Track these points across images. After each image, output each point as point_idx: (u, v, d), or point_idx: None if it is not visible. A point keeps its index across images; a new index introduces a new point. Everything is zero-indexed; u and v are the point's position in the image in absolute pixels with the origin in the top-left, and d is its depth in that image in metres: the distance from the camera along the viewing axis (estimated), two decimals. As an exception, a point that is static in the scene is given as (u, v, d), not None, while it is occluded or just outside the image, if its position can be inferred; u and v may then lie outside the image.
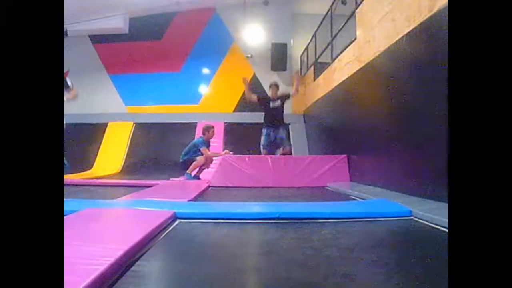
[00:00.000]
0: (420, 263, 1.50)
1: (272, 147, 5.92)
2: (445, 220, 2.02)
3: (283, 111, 5.96)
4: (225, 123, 8.65)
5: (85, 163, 8.05)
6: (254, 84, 8.30)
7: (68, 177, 5.71)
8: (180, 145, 6.65)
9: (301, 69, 8.73)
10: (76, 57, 9.31)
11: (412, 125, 3.29)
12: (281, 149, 5.91)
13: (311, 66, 7.81)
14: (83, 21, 8.71)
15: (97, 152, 8.50)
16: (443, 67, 2.58)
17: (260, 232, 2.11)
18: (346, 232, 2.10)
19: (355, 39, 4.86)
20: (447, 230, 1.93)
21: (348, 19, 5.16)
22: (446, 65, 0.98)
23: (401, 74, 3.48)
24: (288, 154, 5.96)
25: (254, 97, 6.08)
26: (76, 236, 1.63)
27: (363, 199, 3.41)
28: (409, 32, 3.24)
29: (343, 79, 5.34)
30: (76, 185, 4.97)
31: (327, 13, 6.50)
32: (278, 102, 5.82)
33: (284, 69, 9.17)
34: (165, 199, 3.06)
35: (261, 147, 5.89)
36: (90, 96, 9.53)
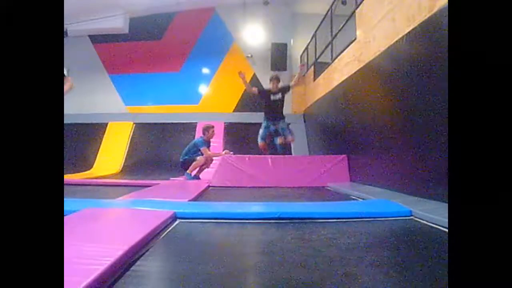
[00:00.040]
0: (420, 263, 1.50)
1: (270, 138, 5.88)
2: (445, 220, 2.02)
3: (283, 104, 5.88)
4: (225, 123, 8.65)
5: (85, 163, 8.06)
6: (254, 84, 8.28)
7: (68, 177, 5.72)
8: (180, 145, 6.66)
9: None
10: (76, 57, 9.31)
11: (412, 125, 3.29)
12: (282, 138, 5.82)
13: (311, 66, 7.81)
14: (83, 21, 8.71)
15: (97, 152, 8.50)
16: (443, 67, 2.58)
17: (260, 232, 2.11)
18: (346, 232, 2.10)
19: (355, 39, 4.86)
20: (447, 230, 1.93)
21: (348, 19, 5.16)
22: (446, 65, 0.98)
23: (401, 74, 3.48)
24: (290, 143, 5.81)
25: (254, 90, 6.04)
26: (76, 236, 1.63)
27: (363, 199, 3.41)
28: (409, 32, 3.24)
29: (343, 79, 5.34)
30: (76, 185, 4.97)
31: (327, 13, 6.50)
32: (279, 95, 5.75)
33: (284, 69, 9.16)
34: (165, 199, 3.06)
35: (259, 137, 5.83)
36: (90, 96, 9.54)
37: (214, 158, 5.95)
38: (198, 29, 9.71)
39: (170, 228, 2.09)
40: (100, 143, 8.68)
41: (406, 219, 2.40)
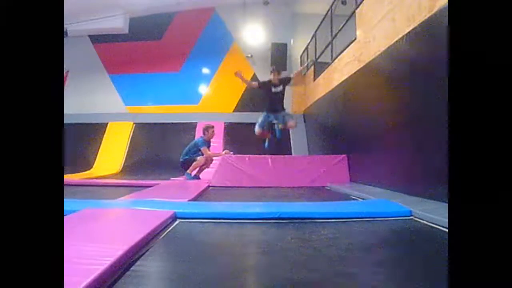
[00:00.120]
0: (420, 263, 1.50)
1: (269, 127, 5.83)
2: (445, 220, 2.02)
3: (284, 97, 5.80)
4: (225, 123, 8.65)
5: (85, 163, 8.06)
6: (254, 87, 8.27)
7: (68, 177, 5.72)
8: (180, 145, 6.66)
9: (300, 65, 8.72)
10: (76, 57, 9.31)
11: (412, 125, 3.29)
12: (282, 124, 5.74)
13: (311, 66, 7.81)
14: (83, 21, 8.71)
15: (97, 152, 8.51)
16: (443, 67, 2.58)
17: (260, 232, 2.11)
18: (346, 232, 2.10)
19: (355, 39, 4.86)
20: (447, 230, 1.93)
21: (348, 19, 5.16)
22: (446, 65, 0.98)
23: (401, 74, 3.48)
24: (292, 128, 5.75)
25: (255, 84, 6.00)
26: (76, 236, 1.63)
27: (363, 199, 3.41)
28: (409, 32, 3.24)
29: (343, 79, 5.34)
30: (76, 185, 4.97)
31: (327, 13, 6.50)
32: (280, 87, 5.66)
33: (284, 69, 9.15)
34: (165, 199, 3.06)
35: (257, 125, 5.74)
36: (90, 96, 9.54)
37: (214, 158, 5.95)
38: (198, 29, 9.71)
39: (170, 228, 2.09)
40: (100, 143, 8.69)
41: (406, 219, 2.40)
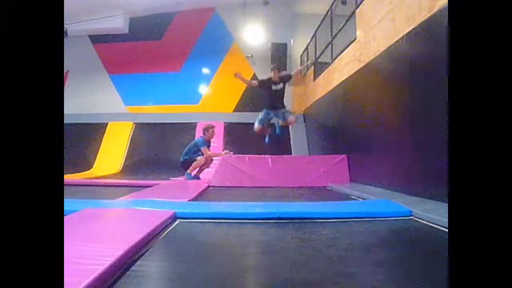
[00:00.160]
0: (420, 263, 1.50)
1: (268, 124, 5.80)
2: (445, 220, 2.02)
3: (284, 94, 5.75)
4: (225, 123, 8.65)
5: (85, 163, 8.06)
6: (254, 86, 8.28)
7: (68, 177, 5.72)
8: (180, 145, 6.66)
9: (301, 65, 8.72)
10: (76, 57, 9.32)
11: (412, 125, 3.29)
12: (282, 120, 5.70)
13: (311, 66, 7.81)
14: (83, 21, 8.71)
15: (97, 152, 8.51)
16: (443, 67, 2.58)
17: (260, 232, 2.12)
18: (346, 232, 2.10)
19: (355, 39, 4.86)
20: (446, 230, 1.93)
21: (348, 19, 5.16)
22: (446, 65, 0.98)
23: (401, 74, 3.48)
24: (292, 123, 5.72)
25: (255, 83, 5.96)
26: (76, 236, 1.63)
27: (363, 199, 3.41)
28: (409, 32, 3.25)
29: (343, 79, 5.34)
30: (76, 185, 4.97)
31: (327, 13, 6.50)
32: (281, 85, 5.62)
33: (284, 69, 9.16)
34: (165, 199, 3.06)
35: (257, 121, 5.71)
36: (90, 96, 9.54)
37: (214, 158, 5.96)
38: (198, 29, 9.71)
39: (170, 228, 2.09)
40: (100, 143, 8.69)
41: (406, 219, 2.40)
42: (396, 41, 3.51)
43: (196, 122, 8.61)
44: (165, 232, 1.99)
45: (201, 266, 1.44)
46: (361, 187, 4.20)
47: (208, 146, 5.92)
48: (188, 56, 9.71)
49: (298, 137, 8.33)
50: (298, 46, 9.21)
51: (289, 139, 8.30)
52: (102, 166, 8.04)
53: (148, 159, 8.25)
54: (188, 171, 5.72)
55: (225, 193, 4.17)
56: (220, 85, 9.53)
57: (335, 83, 5.79)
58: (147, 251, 1.59)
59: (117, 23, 8.91)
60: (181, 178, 5.77)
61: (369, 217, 2.43)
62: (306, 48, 8.33)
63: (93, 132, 8.83)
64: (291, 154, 7.85)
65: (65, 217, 1.93)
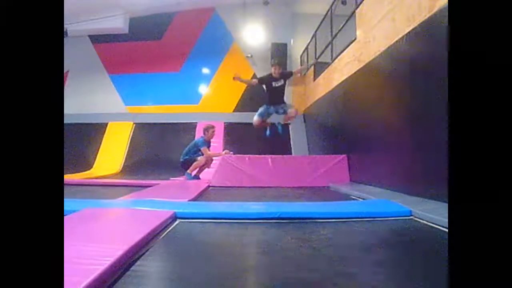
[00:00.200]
0: (420, 263, 1.50)
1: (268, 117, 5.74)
2: (445, 220, 2.02)
3: (284, 91, 5.65)
4: (225, 123, 8.65)
5: (85, 163, 8.06)
6: (254, 85, 8.29)
7: (68, 177, 5.72)
8: (180, 145, 6.66)
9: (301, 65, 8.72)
10: (76, 57, 9.32)
11: (412, 125, 3.30)
12: (282, 114, 5.63)
13: (311, 66, 7.81)
14: (83, 21, 8.71)
15: (97, 152, 8.51)
16: (443, 67, 2.58)
17: (260, 232, 2.12)
18: (346, 232, 2.10)
19: (355, 39, 4.86)
20: (446, 230, 1.93)
21: (348, 19, 5.16)
22: (446, 65, 0.98)
23: (401, 74, 3.48)
24: (293, 116, 5.62)
25: (254, 81, 5.90)
26: (76, 236, 1.63)
27: (363, 199, 3.41)
28: (409, 32, 3.24)
29: (343, 79, 5.34)
30: (76, 185, 4.97)
31: (327, 13, 6.50)
32: (281, 82, 5.53)
33: (284, 69, 9.16)
34: (165, 199, 3.06)
35: (256, 115, 5.63)
36: (90, 96, 9.54)
37: (214, 158, 5.96)
38: (198, 29, 9.71)
39: (170, 228, 2.09)
40: (100, 143, 8.69)
41: (406, 219, 2.40)
42: (396, 41, 3.51)
43: (196, 122, 8.61)
44: (165, 232, 1.99)
45: (201, 266, 1.44)
46: (361, 187, 4.20)
47: (208, 146, 5.92)
48: (188, 56, 9.71)
49: (298, 137, 8.33)
50: (298, 46, 9.21)
51: (289, 139, 8.30)
52: (102, 166, 8.03)
53: (148, 159, 8.25)
54: (188, 171, 5.73)
55: (225, 193, 4.17)
56: (220, 85, 9.53)
57: (335, 83, 5.79)
58: (147, 251, 1.59)
59: (117, 23, 8.91)
60: (181, 178, 5.77)
61: (369, 217, 2.43)
62: (306, 48, 8.33)
63: (93, 132, 8.83)
64: (291, 154, 7.85)
65: (65, 217, 1.93)
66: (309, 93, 8.23)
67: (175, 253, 1.73)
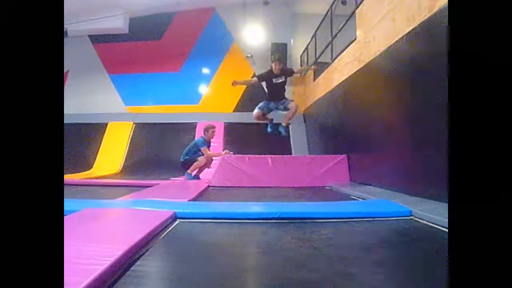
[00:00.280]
0: (420, 263, 1.50)
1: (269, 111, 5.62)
2: (445, 220, 2.02)
3: (285, 88, 5.53)
4: (225, 123, 8.65)
5: (85, 163, 8.06)
6: (254, 84, 8.29)
7: (68, 177, 5.72)
8: (180, 145, 6.66)
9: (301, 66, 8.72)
10: (76, 57, 9.32)
11: (412, 125, 3.29)
12: (285, 118, 5.51)
13: (310, 69, 7.80)
14: (83, 21, 8.71)
15: (97, 152, 8.51)
16: (443, 67, 2.58)
17: (260, 232, 2.11)
18: (346, 232, 2.10)
19: (355, 39, 4.86)
20: (446, 230, 1.93)
21: (348, 19, 5.16)
22: (446, 65, 0.98)
23: (401, 74, 3.48)
24: (294, 111, 5.45)
25: (255, 80, 5.81)
26: (76, 236, 1.63)
27: (363, 199, 3.41)
28: (409, 32, 3.24)
29: (343, 79, 5.34)
30: (76, 185, 4.97)
31: (327, 13, 6.50)
32: (282, 78, 5.40)
33: (285, 66, 9.16)
34: (165, 199, 3.06)
35: (256, 108, 5.51)
36: (90, 96, 9.54)
37: (214, 158, 5.96)
38: (198, 29, 9.71)
39: (170, 228, 2.09)
40: (100, 143, 8.69)
41: (406, 219, 2.40)
42: (396, 41, 3.51)
43: (196, 122, 8.61)
44: (165, 232, 1.99)
45: (201, 266, 1.44)
46: (361, 187, 4.20)
47: (208, 146, 5.92)
48: (188, 56, 9.71)
49: (298, 137, 8.33)
50: (298, 46, 9.20)
51: (289, 139, 8.30)
52: (102, 166, 8.04)
53: (148, 159, 8.25)
54: (188, 171, 5.73)
55: (225, 193, 4.17)
56: (220, 85, 9.53)
57: (335, 83, 5.78)
58: (147, 251, 1.59)
59: (117, 23, 8.91)
60: (181, 178, 5.77)
61: (369, 217, 2.43)
62: (306, 48, 8.33)
63: (93, 132, 8.84)
64: (291, 154, 7.85)
65: (65, 217, 1.93)
66: (309, 93, 8.23)
67: (175, 253, 1.73)
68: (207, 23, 9.72)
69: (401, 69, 3.46)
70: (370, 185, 4.23)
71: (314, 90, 7.64)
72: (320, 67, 6.93)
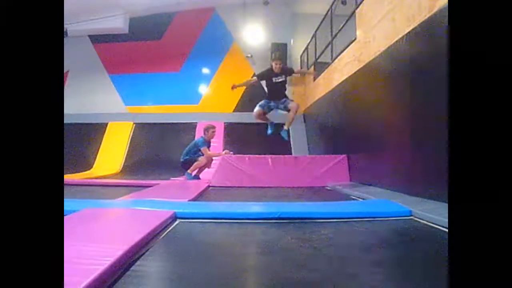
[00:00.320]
0: (420, 263, 1.50)
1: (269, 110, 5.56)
2: (445, 220, 2.02)
3: (285, 87, 5.48)
4: (225, 123, 8.65)
5: (85, 163, 8.06)
6: (254, 85, 8.29)
7: (68, 177, 5.72)
8: (180, 145, 6.66)
9: (301, 68, 8.72)
10: (76, 57, 9.32)
11: (412, 125, 3.29)
12: (287, 122, 5.44)
13: (311, 66, 7.81)
14: (83, 21, 8.71)
15: (97, 152, 8.51)
16: (443, 67, 2.58)
17: (260, 232, 2.11)
18: (346, 232, 2.10)
19: (355, 39, 4.86)
20: (446, 230, 1.93)
21: (348, 19, 5.16)
22: (446, 65, 0.98)
23: (401, 74, 3.48)
24: (295, 110, 5.38)
25: (254, 80, 5.76)
26: (76, 236, 1.63)
27: (363, 199, 3.41)
28: (409, 32, 3.24)
29: (343, 79, 5.34)
30: (76, 185, 4.97)
31: (327, 13, 6.50)
32: (282, 77, 5.36)
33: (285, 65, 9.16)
34: (165, 199, 3.06)
35: (257, 105, 5.45)
36: (90, 96, 9.55)
37: (214, 158, 5.96)
38: (198, 29, 9.71)
39: (170, 228, 2.09)
40: (100, 143, 8.69)
41: (406, 219, 2.40)
42: (396, 41, 3.51)
43: (196, 122, 8.61)
44: (165, 232, 1.99)
45: (201, 266, 1.44)
46: (360, 187, 4.20)
47: (208, 146, 5.92)
48: (188, 56, 9.71)
49: (298, 137, 8.33)
50: (298, 46, 9.20)
51: (289, 139, 8.29)
52: (102, 166, 8.04)
53: (148, 159, 8.25)
54: (188, 171, 5.73)
55: (225, 193, 4.17)
56: (220, 85, 9.53)
57: (335, 83, 5.78)
58: (147, 251, 1.59)
59: (117, 23, 8.92)
60: (181, 178, 5.77)
61: (369, 217, 2.43)
62: (306, 48, 8.33)
63: (93, 132, 8.84)
64: (291, 154, 7.85)
65: (65, 217, 1.93)
66: (309, 93, 8.23)
67: (175, 253, 1.73)
68: (207, 23, 9.72)
69: (401, 69, 3.46)
70: (370, 185, 4.23)
71: (314, 90, 7.64)
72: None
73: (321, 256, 1.60)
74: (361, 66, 4.54)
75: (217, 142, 7.62)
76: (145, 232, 1.74)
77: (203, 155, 5.75)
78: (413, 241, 1.92)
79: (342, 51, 5.47)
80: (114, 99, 9.64)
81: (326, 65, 6.54)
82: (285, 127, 5.48)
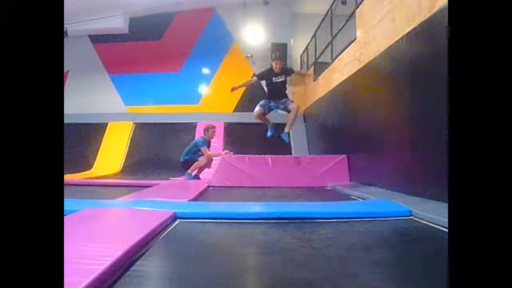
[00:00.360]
0: (420, 263, 1.50)
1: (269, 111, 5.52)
2: (445, 220, 2.02)
3: (286, 87, 5.45)
4: (225, 123, 8.65)
5: (85, 163, 8.06)
6: (254, 85, 8.30)
7: (68, 177, 5.72)
8: (180, 145, 6.66)
9: (301, 68, 8.73)
10: (76, 57, 9.32)
11: (412, 125, 3.29)
12: (287, 124, 5.37)
13: (311, 66, 7.81)
14: (83, 21, 8.72)
15: (97, 152, 8.51)
16: (443, 67, 2.58)
17: (260, 232, 2.11)
18: (346, 232, 2.10)
19: (355, 39, 4.86)
20: (446, 230, 1.93)
21: (348, 19, 5.16)
22: (446, 65, 0.98)
23: (401, 74, 3.48)
24: (296, 111, 5.33)
25: (254, 80, 5.72)
26: (76, 236, 1.63)
27: (363, 199, 3.41)
28: (409, 32, 3.24)
29: (343, 79, 5.34)
30: (76, 185, 4.97)
31: (327, 13, 6.50)
32: (282, 77, 5.33)
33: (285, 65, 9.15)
34: (165, 199, 3.06)
35: (258, 105, 5.40)
36: (90, 96, 9.55)
37: (214, 158, 5.96)
38: (198, 29, 9.71)
39: (170, 228, 2.09)
40: (100, 143, 8.69)
41: (406, 219, 2.40)
42: (396, 41, 3.51)
43: (196, 122, 8.61)
44: (165, 232, 1.99)
45: (201, 266, 1.44)
46: (360, 187, 4.20)
47: (208, 146, 5.92)
48: (188, 56, 9.71)
49: (298, 137, 8.33)
50: (298, 46, 9.20)
51: (289, 139, 8.30)
52: (102, 166, 8.04)
53: (148, 159, 8.25)
54: (188, 171, 5.73)
55: (225, 193, 4.17)
56: (220, 85, 9.52)
57: (335, 83, 5.78)
58: (147, 251, 1.59)
59: (117, 23, 8.92)
60: (181, 178, 5.77)
61: (369, 217, 2.43)
62: (306, 48, 8.33)
63: (93, 132, 8.84)
64: (291, 154, 7.85)
65: (65, 217, 1.93)
66: (309, 93, 8.23)
67: (175, 253, 1.73)
68: (207, 23, 9.72)
69: (401, 69, 3.46)
70: (370, 185, 4.23)
71: (314, 90, 7.64)
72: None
73: (321, 256, 1.60)
74: (361, 66, 4.54)
75: (217, 142, 7.62)
76: (145, 232, 1.74)
77: (203, 155, 5.75)
78: (413, 241, 1.92)
79: (342, 51, 5.47)
80: (114, 99, 9.64)
81: (326, 65, 6.54)
82: (286, 130, 5.44)
